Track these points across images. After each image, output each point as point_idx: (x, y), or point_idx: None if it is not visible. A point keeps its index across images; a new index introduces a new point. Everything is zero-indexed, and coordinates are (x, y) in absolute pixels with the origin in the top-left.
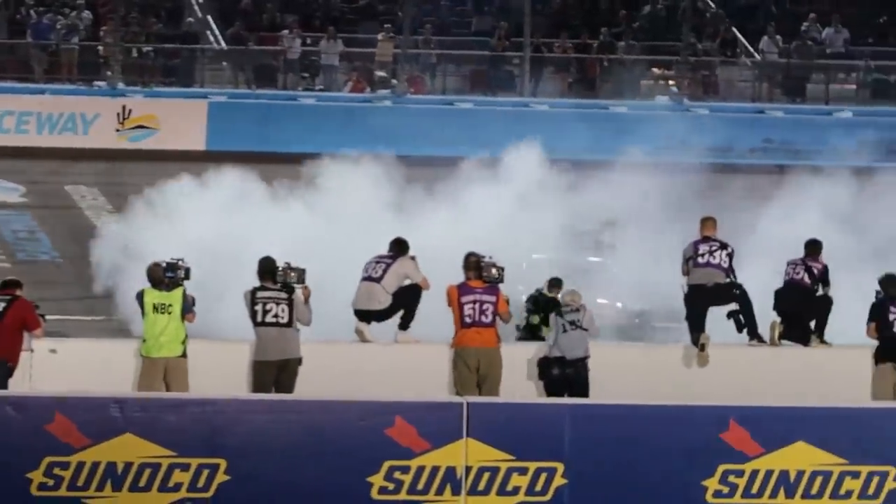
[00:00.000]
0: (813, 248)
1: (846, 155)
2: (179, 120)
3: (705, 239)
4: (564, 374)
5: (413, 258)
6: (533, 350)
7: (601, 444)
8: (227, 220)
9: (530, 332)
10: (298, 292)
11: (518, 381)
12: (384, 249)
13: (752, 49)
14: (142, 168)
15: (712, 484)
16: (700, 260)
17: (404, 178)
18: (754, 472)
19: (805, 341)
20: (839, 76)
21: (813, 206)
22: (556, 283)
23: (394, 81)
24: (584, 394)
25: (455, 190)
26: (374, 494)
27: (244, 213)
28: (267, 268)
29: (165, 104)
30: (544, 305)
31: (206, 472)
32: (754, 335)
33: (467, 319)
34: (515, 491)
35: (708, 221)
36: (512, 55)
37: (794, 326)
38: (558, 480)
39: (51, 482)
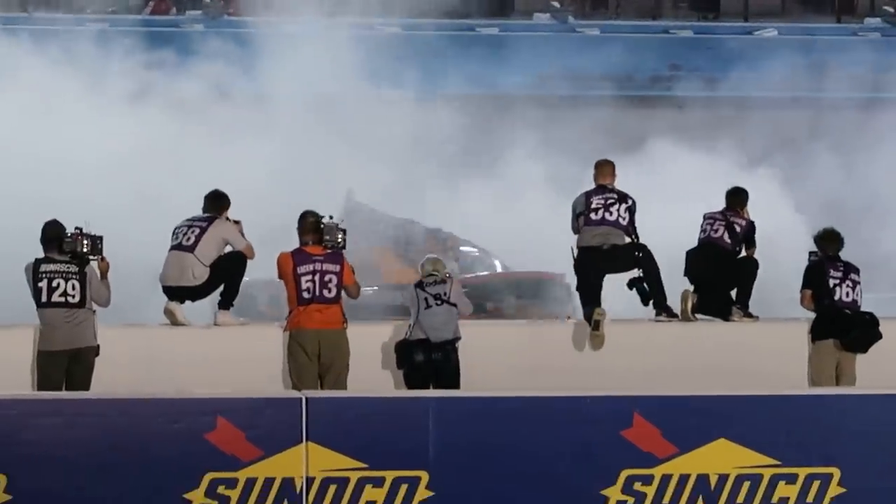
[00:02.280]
0: (735, 198)
1: (770, 84)
2: None
3: (600, 189)
4: (430, 360)
5: (237, 222)
6: (388, 331)
7: (474, 446)
8: None
9: None
10: (94, 265)
11: (370, 370)
12: None
13: None
14: None
15: (614, 493)
16: (593, 216)
17: None
18: (666, 478)
19: (725, 314)
20: None
21: (731, 146)
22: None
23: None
24: (454, 385)
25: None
26: None
27: None
28: (52, 234)
29: None
30: None
31: None
32: (662, 307)
33: (305, 294)
34: None
35: (604, 166)
36: None
37: (712, 296)
38: (422, 493)
39: None
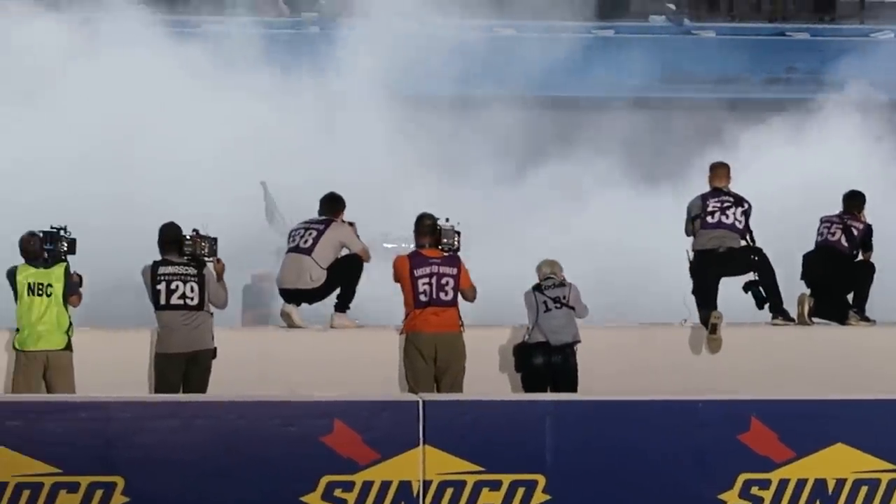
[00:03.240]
0: (853, 202)
1: (886, 86)
2: None
3: (715, 192)
4: (549, 364)
5: (352, 224)
6: (506, 334)
7: (592, 450)
8: None
9: None
10: (210, 267)
11: (487, 373)
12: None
13: None
14: None
15: (731, 498)
16: (709, 219)
17: None
18: (783, 483)
19: (842, 318)
20: None
21: (852, 149)
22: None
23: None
24: (572, 388)
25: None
26: None
27: None
28: (170, 236)
29: None
30: None
31: (99, 494)
32: (779, 311)
33: (422, 297)
34: None
35: (719, 169)
36: None
37: (828, 300)
38: (539, 497)
39: None
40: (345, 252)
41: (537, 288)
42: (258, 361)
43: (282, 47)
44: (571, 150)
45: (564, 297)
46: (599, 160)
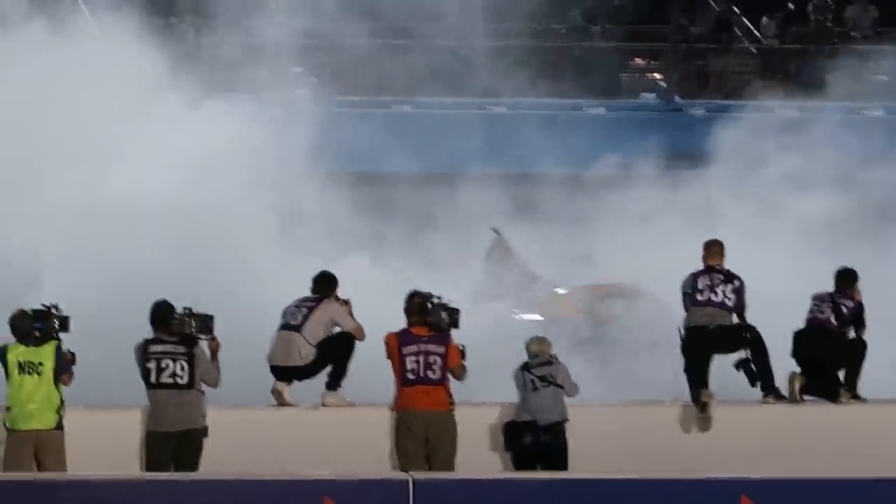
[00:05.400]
0: (844, 280)
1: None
2: None
3: (707, 270)
4: (538, 443)
5: (346, 301)
6: (495, 413)
7: None
8: None
9: None
10: (203, 345)
11: (477, 452)
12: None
13: (757, 33)
14: None
15: None
16: (699, 297)
17: None
18: None
19: (833, 396)
20: (868, 65)
21: (837, 229)
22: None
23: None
24: (562, 467)
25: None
26: None
27: None
28: (161, 315)
29: None
30: None
31: None
32: (770, 389)
33: (410, 376)
34: None
35: (713, 247)
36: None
37: (820, 378)
38: None
39: None
40: (337, 330)
41: (525, 366)
42: (249, 440)
43: None
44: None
45: (552, 376)
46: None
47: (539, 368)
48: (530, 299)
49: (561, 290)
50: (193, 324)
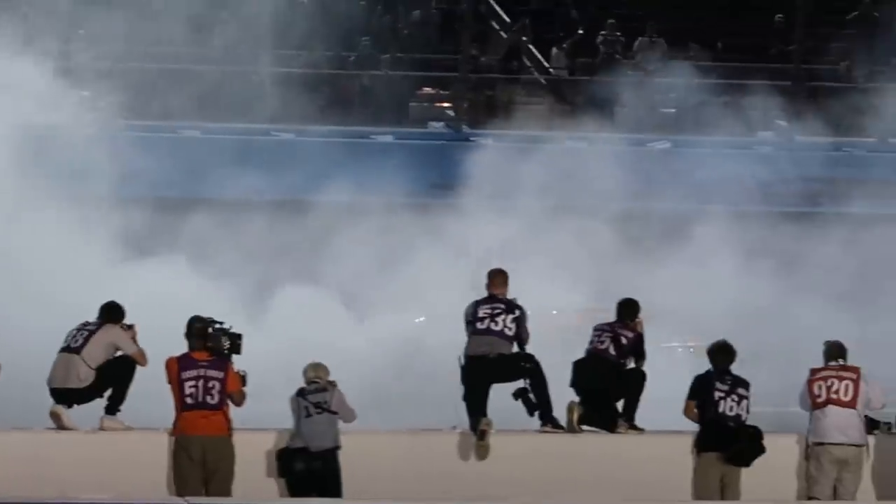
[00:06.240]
0: (625, 311)
1: (669, 195)
2: None
3: (489, 298)
4: (310, 469)
5: (130, 327)
6: (275, 439)
7: None
8: None
9: None
10: None
11: (255, 477)
12: None
13: (546, 63)
14: None
15: None
16: (479, 325)
17: None
18: None
19: (611, 426)
20: (657, 97)
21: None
22: None
23: None
24: (336, 493)
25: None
26: None
27: None
28: None
29: None
30: None
31: None
32: (548, 419)
33: (189, 400)
34: None
35: (497, 276)
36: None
37: (598, 408)
38: None
39: None
40: (120, 354)
41: (300, 392)
42: (29, 462)
43: None
44: None
45: (326, 402)
46: None
47: (314, 395)
48: None
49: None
50: None
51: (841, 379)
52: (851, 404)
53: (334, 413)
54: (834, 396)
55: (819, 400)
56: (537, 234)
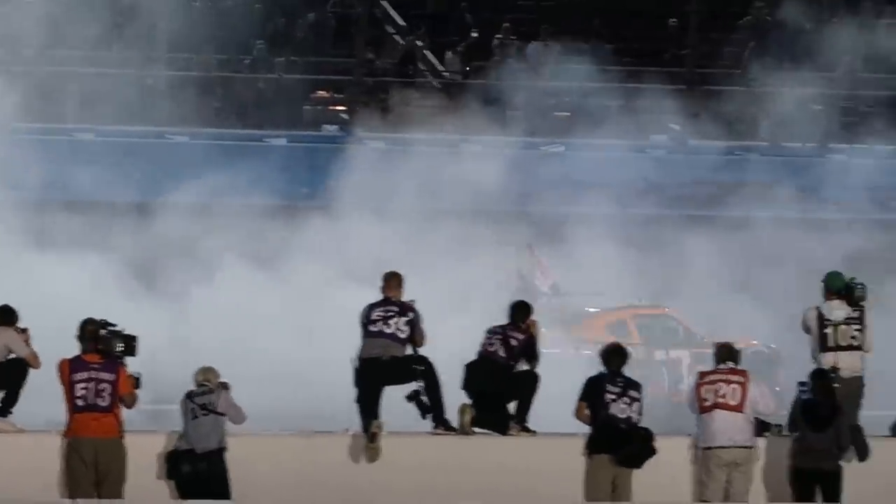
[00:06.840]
0: (518, 312)
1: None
2: None
3: (383, 301)
4: (196, 471)
5: (24, 330)
6: (166, 441)
7: None
8: None
9: None
10: None
11: (146, 480)
12: None
13: (441, 67)
14: None
15: None
16: (372, 328)
17: None
18: None
19: (503, 428)
20: (549, 102)
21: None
22: None
23: None
24: (224, 495)
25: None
26: None
27: None
28: None
29: None
30: None
31: None
32: (440, 421)
33: (79, 402)
34: None
35: (392, 279)
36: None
37: (490, 410)
38: None
39: None
40: (13, 357)
41: (189, 395)
42: None
43: None
44: None
45: (211, 404)
46: None
47: (200, 397)
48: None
49: (592, 309)
50: None
51: (728, 382)
52: (739, 408)
53: (221, 414)
54: (721, 400)
55: (706, 404)
56: (415, 237)
